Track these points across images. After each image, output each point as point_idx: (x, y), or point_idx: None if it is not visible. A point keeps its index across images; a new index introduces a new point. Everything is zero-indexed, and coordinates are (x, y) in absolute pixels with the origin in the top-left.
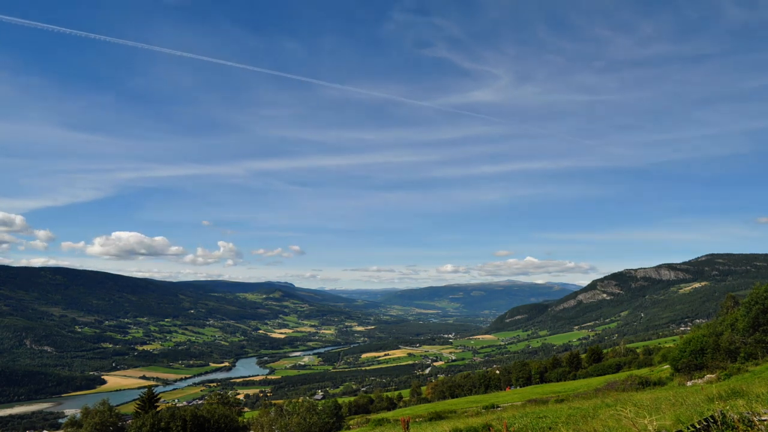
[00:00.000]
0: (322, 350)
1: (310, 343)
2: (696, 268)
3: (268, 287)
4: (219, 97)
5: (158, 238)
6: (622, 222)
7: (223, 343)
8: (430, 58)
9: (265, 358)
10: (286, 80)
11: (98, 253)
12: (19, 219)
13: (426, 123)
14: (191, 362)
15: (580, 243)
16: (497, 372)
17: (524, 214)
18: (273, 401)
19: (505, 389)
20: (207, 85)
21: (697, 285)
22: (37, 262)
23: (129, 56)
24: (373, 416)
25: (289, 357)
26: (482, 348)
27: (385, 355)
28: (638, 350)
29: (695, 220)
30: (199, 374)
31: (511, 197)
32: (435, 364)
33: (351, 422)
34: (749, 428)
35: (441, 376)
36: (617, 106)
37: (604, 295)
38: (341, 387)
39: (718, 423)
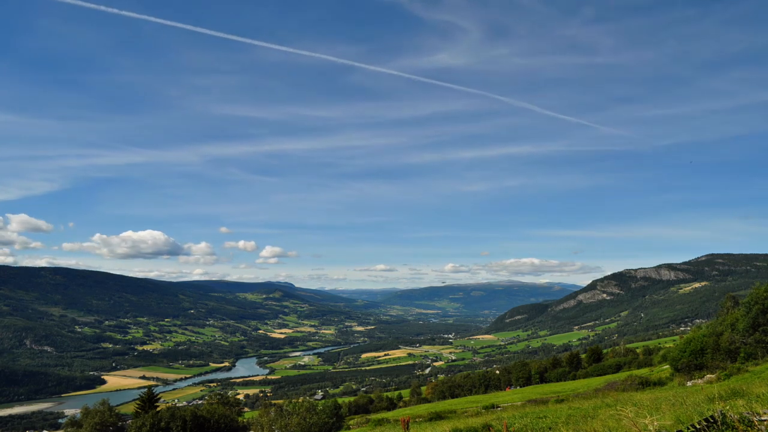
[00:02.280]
0: (322, 350)
1: (310, 343)
2: (696, 268)
3: (268, 287)
4: (140, 63)
5: (138, 237)
6: (622, 217)
7: (223, 343)
8: (377, 3)
9: (265, 358)
10: (212, 40)
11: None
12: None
13: (388, 96)
14: (191, 362)
15: (576, 240)
16: (497, 372)
17: (512, 209)
18: (273, 401)
19: (505, 389)
20: (121, 46)
21: (697, 285)
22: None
23: (13, 5)
24: (373, 416)
25: (289, 357)
26: (482, 348)
27: (385, 355)
28: (638, 350)
29: (702, 215)
30: (199, 374)
31: (497, 189)
32: (435, 364)
33: (351, 422)
34: (749, 428)
35: (441, 376)
36: (613, 71)
37: (604, 295)
38: (341, 387)
39: (718, 423)
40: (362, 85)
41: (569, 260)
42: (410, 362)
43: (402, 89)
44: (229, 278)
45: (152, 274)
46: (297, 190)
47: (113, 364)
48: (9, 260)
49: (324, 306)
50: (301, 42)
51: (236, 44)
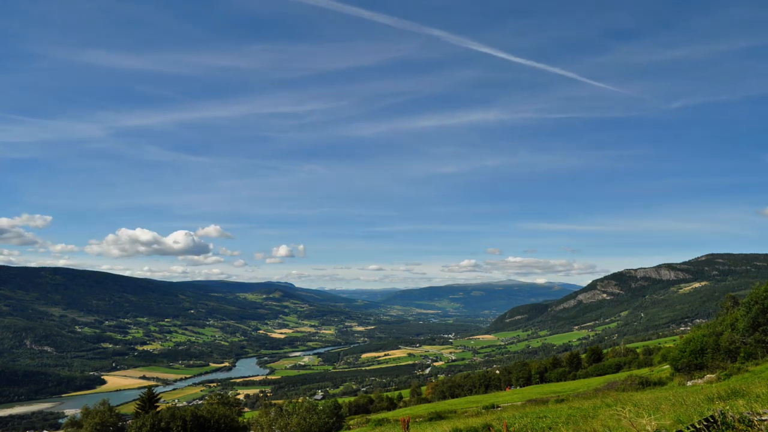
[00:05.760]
0: (322, 350)
1: (310, 343)
2: (696, 268)
3: (268, 287)
4: None
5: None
6: (620, 209)
7: (223, 343)
8: None
9: (265, 358)
10: None
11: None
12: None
13: (302, 34)
14: (191, 362)
15: (574, 236)
16: (497, 372)
17: (497, 197)
18: (273, 401)
19: (505, 389)
20: None
21: (697, 285)
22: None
23: None
24: (373, 416)
25: (289, 357)
26: (482, 348)
27: (385, 355)
28: (638, 350)
29: (708, 204)
30: (199, 374)
31: (473, 170)
32: (435, 364)
33: (351, 422)
34: (749, 428)
35: (441, 376)
36: None
37: (604, 295)
38: (341, 387)
39: (718, 423)
40: (258, 14)
41: (568, 259)
42: (410, 362)
43: (313, 21)
44: (233, 279)
45: (151, 275)
46: (238, 174)
47: (113, 364)
48: (19, 259)
49: (324, 306)
50: None
51: None
